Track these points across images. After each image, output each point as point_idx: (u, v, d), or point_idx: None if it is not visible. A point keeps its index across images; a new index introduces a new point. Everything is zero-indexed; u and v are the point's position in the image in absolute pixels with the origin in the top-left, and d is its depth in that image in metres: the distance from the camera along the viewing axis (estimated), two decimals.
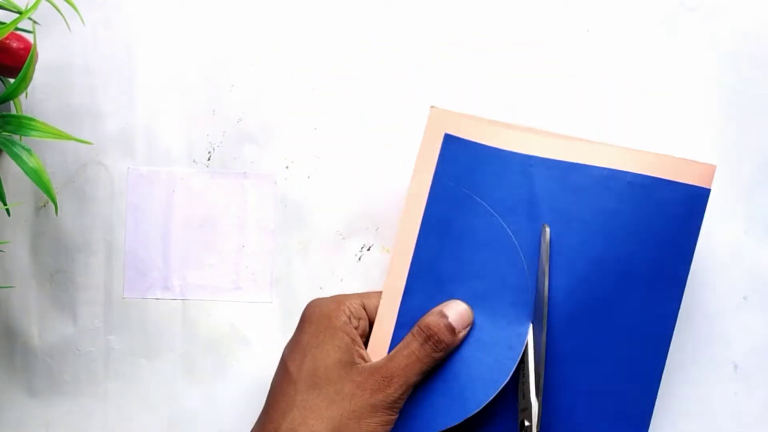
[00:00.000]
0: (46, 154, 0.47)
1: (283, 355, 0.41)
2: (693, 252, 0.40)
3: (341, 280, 0.47)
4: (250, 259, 0.47)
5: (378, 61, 0.47)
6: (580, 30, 0.47)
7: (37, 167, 0.39)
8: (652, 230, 0.40)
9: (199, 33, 0.47)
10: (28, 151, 0.39)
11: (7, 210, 0.43)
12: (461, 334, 0.40)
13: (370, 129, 0.47)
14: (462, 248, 0.41)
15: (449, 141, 0.42)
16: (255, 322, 0.47)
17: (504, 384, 0.39)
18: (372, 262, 0.47)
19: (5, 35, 0.37)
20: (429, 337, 0.39)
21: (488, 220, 0.41)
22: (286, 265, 0.47)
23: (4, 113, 0.39)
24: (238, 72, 0.47)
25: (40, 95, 0.47)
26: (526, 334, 0.40)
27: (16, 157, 0.38)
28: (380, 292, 0.42)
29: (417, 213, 0.42)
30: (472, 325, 0.41)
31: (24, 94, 0.46)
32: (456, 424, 0.40)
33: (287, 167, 0.47)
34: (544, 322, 0.39)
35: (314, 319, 0.40)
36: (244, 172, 0.47)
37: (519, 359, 0.39)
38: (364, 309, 0.42)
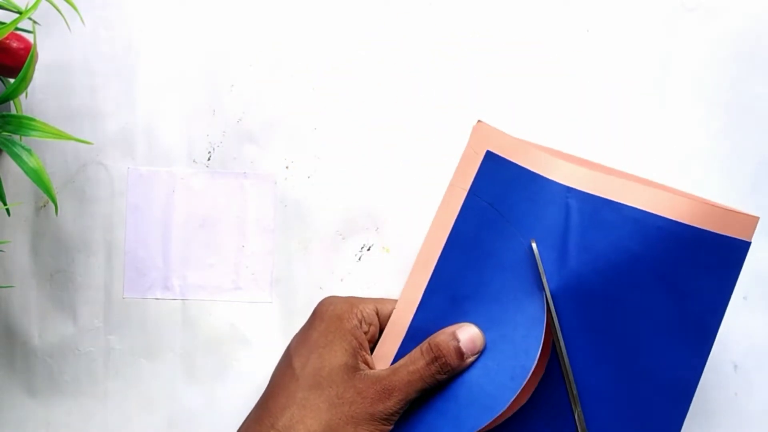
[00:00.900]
0: (46, 154, 0.47)
1: (289, 347, 0.41)
2: (726, 306, 0.38)
3: (341, 280, 0.47)
4: (250, 259, 0.47)
5: (378, 61, 0.47)
6: (580, 30, 0.47)
7: (37, 167, 0.39)
8: (681, 278, 0.38)
9: (199, 33, 0.47)
10: (28, 151, 0.39)
11: (7, 210, 0.43)
12: (469, 360, 0.40)
13: (370, 129, 0.47)
14: (485, 269, 0.40)
15: (490, 158, 0.41)
16: (255, 322, 0.47)
17: (500, 413, 0.38)
18: (372, 262, 0.47)
19: (5, 35, 0.37)
20: (437, 357, 0.39)
21: (515, 245, 0.40)
22: (286, 265, 0.47)
23: (4, 113, 0.39)
24: (238, 72, 0.47)
25: (40, 95, 0.47)
26: (530, 368, 0.38)
27: (16, 157, 0.38)
28: (395, 300, 0.42)
29: (446, 226, 0.41)
30: (481, 353, 0.40)
31: (24, 94, 0.46)
32: None
33: (287, 167, 0.47)
34: (565, 358, 0.39)
35: (326, 317, 0.41)
36: (244, 172, 0.47)
37: (518, 391, 0.38)
38: (377, 315, 0.42)
